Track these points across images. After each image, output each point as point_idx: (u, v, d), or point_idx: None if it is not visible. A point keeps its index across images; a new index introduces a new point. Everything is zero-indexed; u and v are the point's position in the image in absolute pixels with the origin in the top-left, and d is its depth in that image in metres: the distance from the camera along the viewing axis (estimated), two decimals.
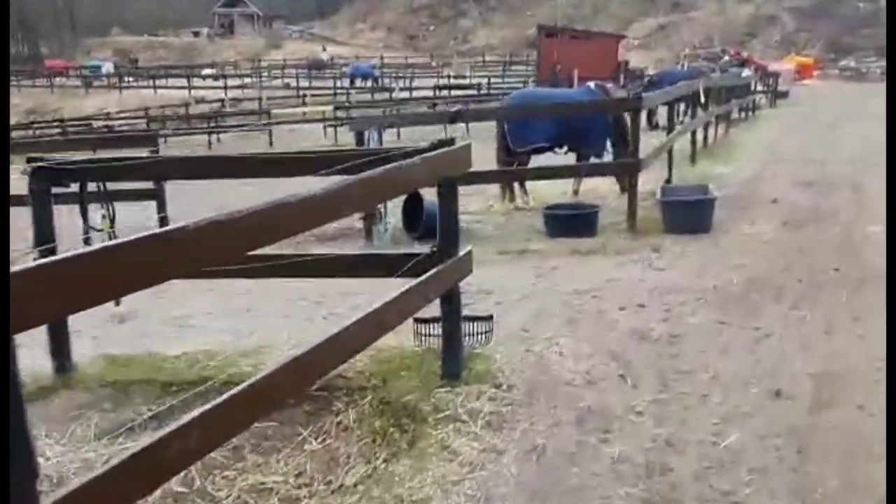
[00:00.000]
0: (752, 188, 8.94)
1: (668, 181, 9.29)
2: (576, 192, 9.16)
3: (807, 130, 15.85)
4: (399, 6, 71.94)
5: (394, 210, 8.58)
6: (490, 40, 63.18)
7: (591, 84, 9.57)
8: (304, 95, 34.96)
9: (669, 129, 9.10)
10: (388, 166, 3.22)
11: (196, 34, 64.80)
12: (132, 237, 1.94)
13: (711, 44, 57.27)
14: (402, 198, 8.16)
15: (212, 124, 25.57)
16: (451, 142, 3.78)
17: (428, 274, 3.47)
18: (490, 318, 4.29)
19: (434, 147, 3.71)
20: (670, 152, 9.28)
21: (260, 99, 34.78)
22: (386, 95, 35.86)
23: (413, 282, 3.39)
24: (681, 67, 54.45)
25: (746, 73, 29.02)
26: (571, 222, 7.36)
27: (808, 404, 3.50)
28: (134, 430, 3.24)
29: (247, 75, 44.60)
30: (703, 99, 11.18)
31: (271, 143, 23.82)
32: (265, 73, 45.31)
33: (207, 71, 49.27)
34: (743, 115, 20.86)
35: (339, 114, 24.44)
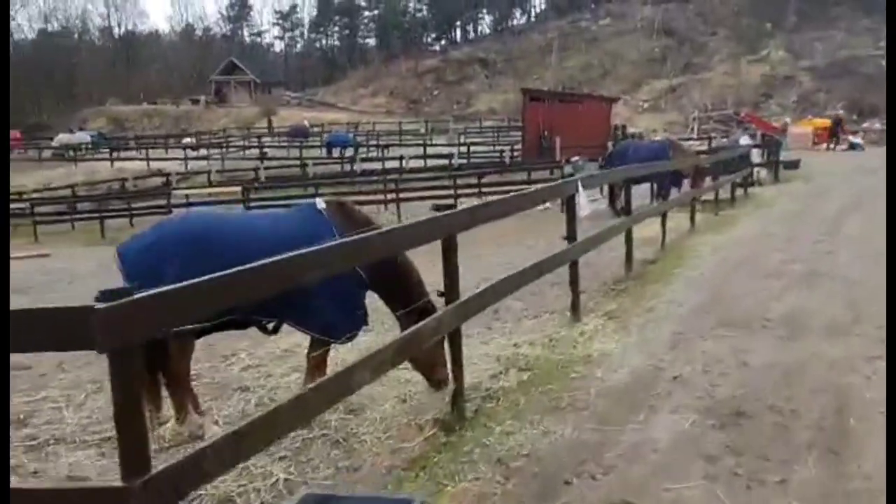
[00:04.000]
0: (614, 435, 4.06)
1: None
2: None
3: (797, 232, 10.89)
4: (404, 70, 68.85)
5: None
6: (492, 104, 59.27)
7: (319, 202, 4.87)
8: (257, 168, 31.04)
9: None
10: None
11: (195, 102, 62.09)
12: None
13: (725, 105, 52.57)
14: None
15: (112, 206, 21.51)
16: None
17: None
18: None
19: None
20: (454, 342, 4.49)
21: (209, 172, 30.99)
22: (366, 166, 31.85)
23: None
24: (690, 131, 50.10)
25: (745, 140, 24.11)
26: None
27: None
28: None
29: (217, 145, 41.00)
30: (579, 215, 6.36)
31: None
32: (240, 142, 41.68)
33: (187, 140, 46.02)
34: (738, 192, 16.03)
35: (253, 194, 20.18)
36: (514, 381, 5.18)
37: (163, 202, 20.49)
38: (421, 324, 4.21)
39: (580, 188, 6.35)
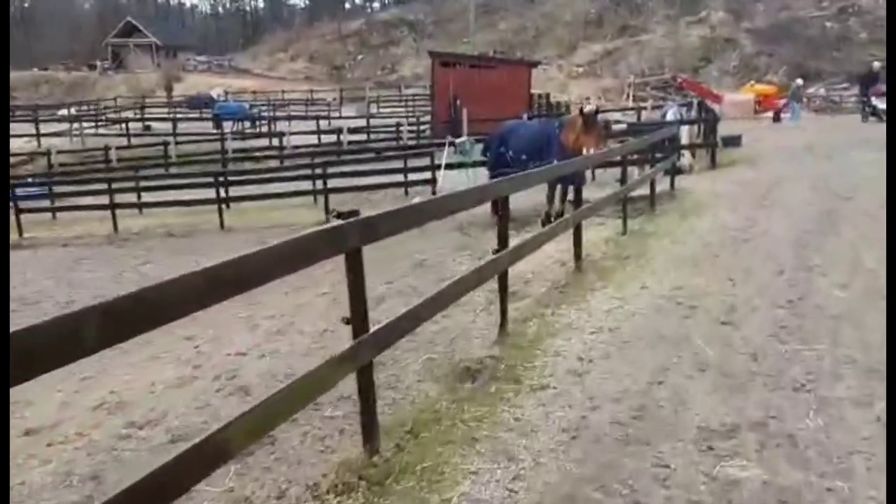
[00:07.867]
0: None
1: None
2: None
3: (739, 293, 6.22)
4: (327, 33, 62.62)
5: None
6: (417, 70, 53.77)
7: None
8: (108, 148, 25.43)
9: None
10: None
11: (92, 67, 55.01)
12: None
13: (662, 71, 48.15)
14: None
15: None
16: None
17: None
18: None
19: None
20: None
21: (49, 154, 25.26)
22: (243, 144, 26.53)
23: None
24: (625, 98, 45.36)
25: (670, 114, 19.41)
26: None
27: None
28: None
29: (92, 117, 34.97)
30: None
31: None
32: (128, 113, 35.70)
33: (63, 112, 39.66)
34: (662, 186, 11.27)
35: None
36: None
37: None
38: None
39: None
